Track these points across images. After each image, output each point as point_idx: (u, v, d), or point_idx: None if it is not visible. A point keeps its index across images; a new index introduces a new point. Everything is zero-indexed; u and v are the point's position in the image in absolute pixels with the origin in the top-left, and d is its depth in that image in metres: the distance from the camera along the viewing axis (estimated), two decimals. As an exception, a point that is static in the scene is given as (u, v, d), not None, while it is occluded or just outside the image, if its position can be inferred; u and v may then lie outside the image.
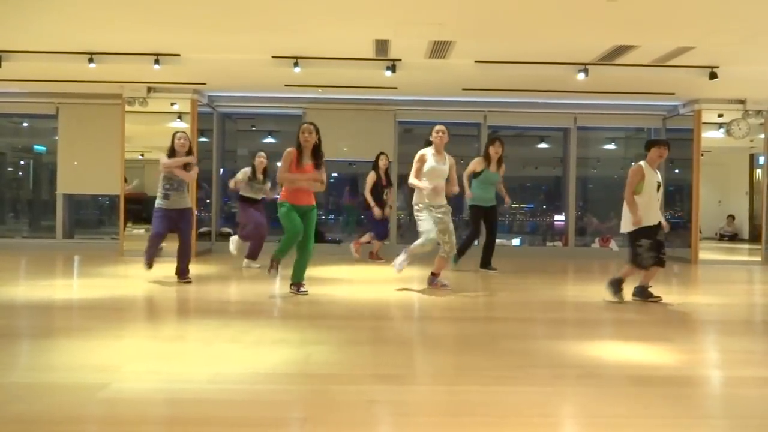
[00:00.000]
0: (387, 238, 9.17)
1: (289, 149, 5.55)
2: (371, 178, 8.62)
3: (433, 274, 6.17)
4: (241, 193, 7.69)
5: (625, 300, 5.53)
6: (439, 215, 5.92)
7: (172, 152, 6.27)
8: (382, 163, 8.63)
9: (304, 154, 5.51)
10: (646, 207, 5.46)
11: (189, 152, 6.35)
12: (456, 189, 6.14)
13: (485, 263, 7.73)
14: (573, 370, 3.38)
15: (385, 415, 2.70)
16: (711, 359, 3.89)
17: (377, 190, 8.60)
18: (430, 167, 5.94)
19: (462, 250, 7.58)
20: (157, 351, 3.74)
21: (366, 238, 8.77)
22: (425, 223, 5.86)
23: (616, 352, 3.83)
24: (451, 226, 6.01)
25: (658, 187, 5.53)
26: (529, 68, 7.81)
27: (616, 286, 5.56)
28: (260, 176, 7.64)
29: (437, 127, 6.06)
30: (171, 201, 6.24)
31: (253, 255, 7.66)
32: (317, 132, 5.57)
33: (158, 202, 6.29)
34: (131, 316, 5.01)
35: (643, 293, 5.58)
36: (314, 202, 5.66)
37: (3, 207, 11.96)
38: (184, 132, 6.50)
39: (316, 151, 5.56)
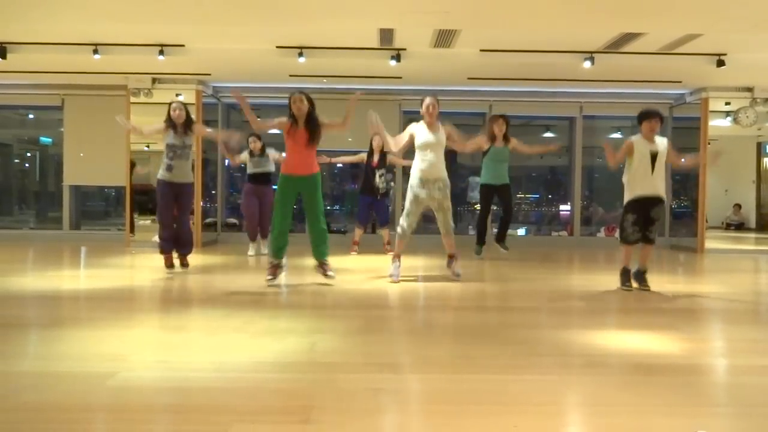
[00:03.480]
0: (387, 224, 8.73)
1: (283, 118, 5.46)
2: (360, 156, 8.46)
3: (449, 256, 6.07)
4: (248, 172, 7.91)
5: (634, 287, 5.52)
6: (433, 192, 5.77)
7: (170, 122, 6.06)
8: (375, 143, 8.27)
9: (299, 123, 5.43)
10: (640, 179, 5.45)
11: (188, 121, 6.17)
12: (470, 145, 6.18)
13: (500, 238, 7.81)
14: (578, 358, 3.38)
15: (391, 403, 2.72)
16: (717, 348, 3.89)
17: (367, 173, 8.37)
18: (422, 141, 5.78)
19: (480, 236, 7.77)
20: (164, 340, 3.77)
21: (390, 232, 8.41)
22: (408, 204, 5.85)
23: (621, 340, 3.83)
24: (447, 203, 5.85)
25: (654, 157, 5.41)
26: (534, 57, 7.77)
27: (625, 275, 5.59)
28: (258, 152, 7.90)
29: (427, 101, 5.78)
30: (173, 173, 6.07)
31: (252, 237, 8.01)
32: (309, 100, 5.43)
33: (160, 173, 6.10)
34: (138, 307, 5.05)
35: (638, 277, 5.58)
36: (314, 170, 5.50)
37: (10, 198, 12.02)
38: (179, 102, 6.28)
39: (310, 121, 5.42)
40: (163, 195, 6.11)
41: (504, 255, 7.78)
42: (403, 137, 5.95)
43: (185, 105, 6.26)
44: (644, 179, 5.44)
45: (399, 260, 5.98)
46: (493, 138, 7.62)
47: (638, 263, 5.61)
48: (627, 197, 5.52)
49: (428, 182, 5.79)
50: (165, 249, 6.19)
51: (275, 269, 5.56)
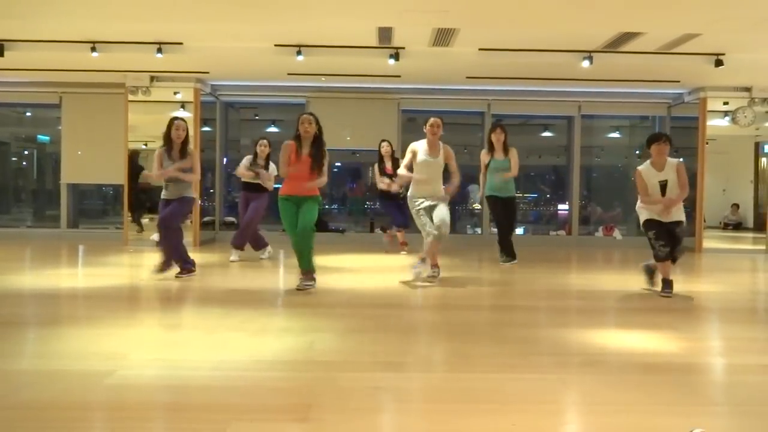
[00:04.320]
0: (408, 227, 8.52)
1: (287, 142, 5.43)
2: (376, 168, 8.44)
3: (422, 258, 6.02)
4: (243, 180, 7.66)
5: (654, 288, 5.52)
6: (432, 202, 5.82)
7: (168, 141, 5.99)
8: (383, 150, 8.31)
9: (303, 144, 5.41)
10: (654, 207, 5.44)
11: (185, 142, 6.08)
12: (456, 182, 5.98)
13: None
14: (577, 357, 3.39)
15: (389, 401, 2.72)
16: (714, 347, 3.90)
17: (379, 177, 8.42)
18: (420, 160, 5.85)
19: (508, 249, 7.50)
20: (162, 339, 3.77)
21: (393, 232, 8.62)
22: (416, 218, 5.88)
23: (619, 339, 3.84)
24: (442, 209, 5.79)
25: (663, 186, 5.38)
26: (533, 56, 7.76)
27: (648, 272, 5.64)
28: (261, 162, 7.51)
29: (431, 121, 5.89)
30: (170, 192, 6.04)
31: (236, 243, 7.45)
32: (317, 122, 5.43)
33: (162, 194, 6.13)
34: (136, 305, 5.04)
35: (648, 270, 5.65)
36: (313, 193, 5.43)
37: (7, 197, 12.00)
38: (183, 120, 6.12)
39: (316, 143, 5.42)
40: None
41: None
42: (407, 157, 5.98)
43: (187, 125, 6.14)
44: (658, 207, 5.40)
45: (438, 267, 6.03)
46: (491, 148, 7.51)
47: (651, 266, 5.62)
48: (643, 217, 5.46)
49: (425, 199, 5.85)
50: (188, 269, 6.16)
51: (311, 278, 5.48)
